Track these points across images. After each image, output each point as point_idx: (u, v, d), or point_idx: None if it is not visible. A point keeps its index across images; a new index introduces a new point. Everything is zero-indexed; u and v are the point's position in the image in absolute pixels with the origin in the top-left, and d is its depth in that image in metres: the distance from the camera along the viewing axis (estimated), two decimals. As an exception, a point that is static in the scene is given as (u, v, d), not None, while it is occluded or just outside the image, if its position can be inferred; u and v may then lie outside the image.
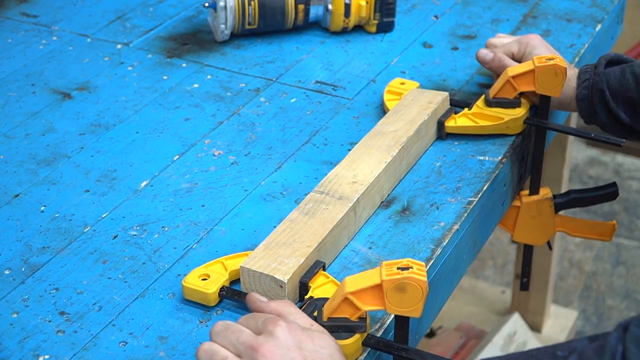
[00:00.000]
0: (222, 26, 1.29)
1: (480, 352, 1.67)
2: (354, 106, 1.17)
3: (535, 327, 1.89)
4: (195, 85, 1.22)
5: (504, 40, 1.19)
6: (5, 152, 1.09)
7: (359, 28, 1.35)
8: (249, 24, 1.30)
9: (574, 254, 2.35)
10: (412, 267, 0.76)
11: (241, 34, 1.32)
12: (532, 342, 1.80)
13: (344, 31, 1.34)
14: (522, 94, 1.11)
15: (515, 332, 1.76)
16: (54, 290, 0.88)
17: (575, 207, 1.18)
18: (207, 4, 1.31)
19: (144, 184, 1.03)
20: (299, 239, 0.88)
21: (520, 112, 1.09)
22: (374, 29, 1.34)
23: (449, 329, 1.85)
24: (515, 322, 1.78)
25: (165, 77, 1.24)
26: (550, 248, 1.27)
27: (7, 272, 0.90)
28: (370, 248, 0.93)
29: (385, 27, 1.34)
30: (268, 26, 1.31)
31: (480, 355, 1.66)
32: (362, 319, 0.79)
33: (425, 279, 0.75)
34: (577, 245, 2.37)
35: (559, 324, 1.94)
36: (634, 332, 0.72)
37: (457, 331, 1.83)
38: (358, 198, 0.93)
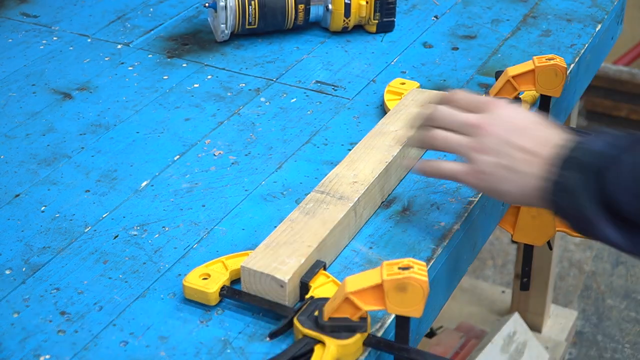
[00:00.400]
0: (223, 26, 1.29)
1: (480, 352, 1.67)
2: (354, 106, 1.17)
3: (535, 327, 1.89)
4: (196, 85, 1.22)
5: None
6: (6, 152, 1.09)
7: (359, 28, 1.35)
8: (249, 24, 1.30)
9: (573, 254, 2.35)
10: (413, 267, 0.76)
11: (241, 34, 1.32)
12: (532, 342, 1.80)
13: (344, 31, 1.34)
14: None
15: (515, 332, 1.76)
16: (55, 290, 0.88)
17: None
18: (207, 4, 1.31)
19: (144, 184, 1.03)
20: (300, 239, 0.88)
21: (520, 112, 1.09)
22: (374, 28, 1.34)
23: (449, 329, 1.85)
24: (515, 322, 1.78)
25: (165, 77, 1.24)
26: (551, 248, 1.27)
27: (7, 272, 0.90)
28: (370, 248, 0.93)
29: (385, 27, 1.34)
30: (268, 26, 1.31)
31: (480, 357, 1.66)
32: (363, 318, 0.79)
33: (426, 278, 0.75)
34: (577, 245, 2.37)
35: (559, 324, 1.94)
36: None
37: (457, 331, 1.83)
38: (359, 198, 0.93)
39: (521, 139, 0.85)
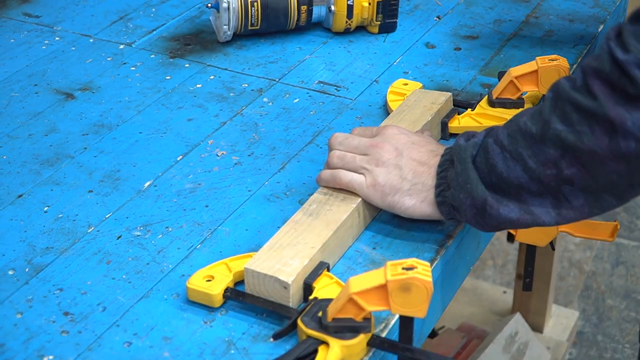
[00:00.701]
0: (225, 27, 1.29)
1: (482, 352, 1.67)
2: (357, 106, 1.17)
3: (537, 328, 1.90)
4: (198, 86, 1.22)
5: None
6: (9, 153, 1.09)
7: (362, 28, 1.35)
8: (252, 24, 1.30)
9: (574, 254, 2.35)
10: (416, 267, 0.76)
11: (244, 35, 1.32)
12: (534, 342, 1.80)
13: (346, 32, 1.34)
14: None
15: (516, 333, 1.76)
16: (58, 291, 0.88)
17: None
18: (209, 5, 1.31)
19: (147, 184, 1.03)
20: (303, 240, 0.88)
21: (523, 112, 1.09)
22: (376, 29, 1.34)
23: (451, 329, 1.85)
24: (517, 322, 1.78)
25: (168, 78, 1.24)
26: (553, 248, 1.27)
27: (10, 272, 0.90)
28: (374, 249, 0.93)
29: (387, 28, 1.34)
30: (271, 27, 1.31)
31: (482, 357, 1.66)
32: (367, 319, 0.79)
33: (430, 279, 0.75)
34: (577, 245, 2.38)
35: (560, 324, 1.94)
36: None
37: (459, 331, 1.83)
38: (362, 199, 0.93)
39: (412, 152, 0.93)
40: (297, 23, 1.32)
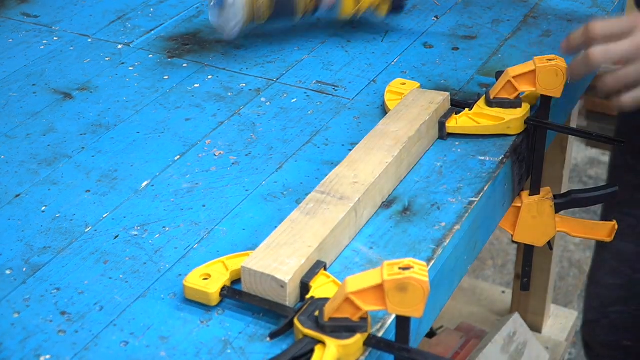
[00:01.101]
0: (232, 23, 1.27)
1: (481, 352, 1.67)
2: (355, 106, 1.17)
3: (536, 328, 1.89)
4: (196, 86, 1.22)
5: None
6: (6, 152, 1.09)
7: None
8: (259, 18, 1.28)
9: (573, 254, 2.35)
10: (413, 267, 0.76)
11: (247, 31, 1.30)
12: (532, 342, 1.80)
13: (352, 19, 1.31)
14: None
15: (515, 332, 1.76)
16: (55, 290, 0.88)
17: (576, 207, 1.18)
18: (212, 2, 1.30)
19: (144, 184, 1.03)
20: (300, 239, 0.88)
21: (521, 112, 1.10)
22: (385, 10, 1.31)
23: (450, 329, 1.85)
24: (515, 322, 1.78)
25: (166, 77, 1.24)
26: (551, 248, 1.27)
27: (8, 272, 0.91)
28: (371, 248, 0.93)
29: (397, 7, 1.32)
30: (279, 18, 1.29)
31: (481, 357, 1.66)
32: (364, 319, 0.79)
33: (426, 279, 0.75)
34: (577, 245, 2.38)
35: (559, 324, 1.94)
36: None
37: (458, 331, 1.83)
38: (359, 198, 0.94)
39: None
40: (305, 13, 1.29)
